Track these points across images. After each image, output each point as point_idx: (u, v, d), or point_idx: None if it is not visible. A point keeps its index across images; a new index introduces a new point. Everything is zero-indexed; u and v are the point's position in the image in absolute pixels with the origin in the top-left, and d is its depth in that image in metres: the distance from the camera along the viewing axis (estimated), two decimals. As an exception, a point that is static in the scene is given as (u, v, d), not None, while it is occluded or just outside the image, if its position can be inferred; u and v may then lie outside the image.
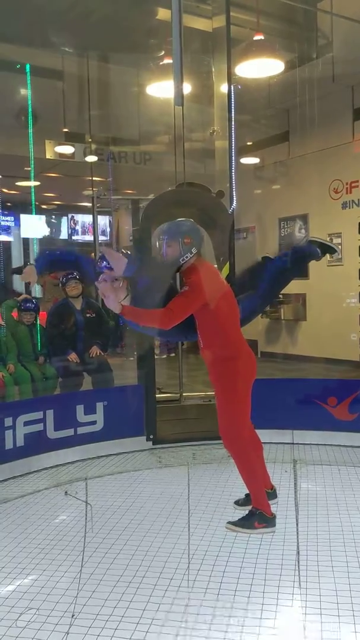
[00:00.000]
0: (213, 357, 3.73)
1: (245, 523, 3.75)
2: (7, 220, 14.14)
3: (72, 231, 15.68)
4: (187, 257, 3.63)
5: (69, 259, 4.52)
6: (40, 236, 13.54)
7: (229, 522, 3.80)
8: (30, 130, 7.36)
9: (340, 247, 9.88)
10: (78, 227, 15.73)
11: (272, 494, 4.00)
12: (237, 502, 4.08)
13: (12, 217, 14.04)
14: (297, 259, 4.35)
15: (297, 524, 3.76)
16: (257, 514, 3.73)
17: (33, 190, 7.51)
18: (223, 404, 3.73)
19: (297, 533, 3.64)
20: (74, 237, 15.77)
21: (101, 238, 12.94)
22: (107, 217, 13.74)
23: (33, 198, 8.03)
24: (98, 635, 2.72)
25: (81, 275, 4.55)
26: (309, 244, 4.35)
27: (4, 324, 6.43)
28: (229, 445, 3.77)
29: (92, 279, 3.88)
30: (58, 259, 4.50)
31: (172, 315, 3.45)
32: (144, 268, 3.73)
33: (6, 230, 14.04)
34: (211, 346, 3.71)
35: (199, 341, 3.76)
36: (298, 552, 3.43)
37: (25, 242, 13.78)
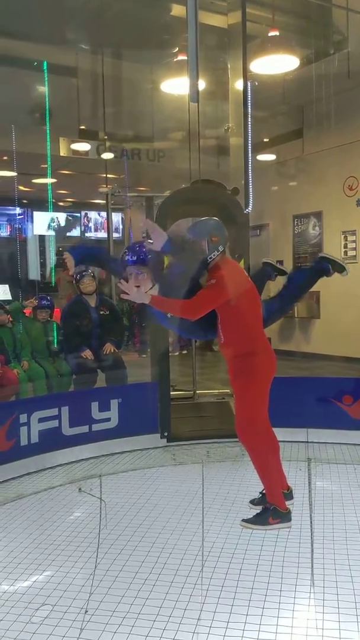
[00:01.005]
0: (233, 353, 3.74)
1: (259, 519, 3.75)
2: (21, 217, 14.23)
3: (85, 228, 15.73)
4: (214, 254, 3.68)
5: (102, 255, 4.50)
6: (53, 233, 13.64)
7: (244, 520, 3.80)
8: (48, 128, 7.37)
9: (354, 244, 9.84)
10: (91, 224, 15.77)
11: (289, 494, 3.99)
12: (253, 502, 4.06)
13: (28, 214, 14.12)
14: (313, 275, 4.41)
15: (311, 523, 3.74)
16: (271, 509, 3.73)
17: (50, 187, 7.53)
18: (240, 399, 3.73)
19: (312, 532, 3.63)
20: (87, 234, 15.83)
21: (114, 235, 12.97)
22: (120, 214, 13.77)
23: (50, 195, 8.06)
24: (115, 632, 2.72)
25: (112, 273, 4.53)
26: (321, 260, 4.42)
27: (15, 321, 6.46)
28: (244, 439, 3.77)
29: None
30: (92, 253, 4.48)
31: (199, 306, 3.51)
32: (180, 251, 3.71)
33: (22, 226, 14.13)
34: (232, 342, 3.72)
35: (219, 337, 3.77)
36: (312, 551, 3.41)
37: (42, 238, 13.84)
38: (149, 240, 3.64)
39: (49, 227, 13.85)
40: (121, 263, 3.71)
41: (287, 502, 3.88)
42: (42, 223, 13.98)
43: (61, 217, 15.17)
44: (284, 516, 3.74)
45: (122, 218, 14.14)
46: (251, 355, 3.69)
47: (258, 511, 3.88)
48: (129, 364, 6.55)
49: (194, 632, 2.70)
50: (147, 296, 3.47)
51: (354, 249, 9.81)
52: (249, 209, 5.96)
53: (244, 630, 2.70)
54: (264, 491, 4.00)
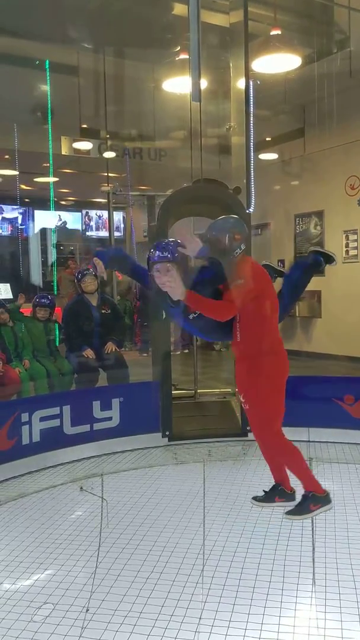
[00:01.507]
0: (249, 352, 3.72)
1: (301, 509, 3.79)
2: (21, 215, 14.24)
3: (87, 227, 15.74)
4: (236, 252, 3.68)
5: (128, 260, 4.31)
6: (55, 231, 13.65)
7: (286, 512, 3.83)
8: (50, 127, 7.37)
9: (356, 243, 9.83)
10: (92, 223, 15.78)
11: (291, 496, 4.00)
12: (256, 498, 4.07)
13: (28, 213, 14.14)
14: (308, 271, 4.41)
15: (312, 522, 3.74)
16: (309, 497, 3.76)
17: (52, 186, 7.54)
18: (258, 399, 3.72)
19: (313, 531, 3.63)
20: (88, 233, 15.85)
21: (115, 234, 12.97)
22: (121, 213, 13.77)
23: (52, 194, 8.07)
24: (117, 631, 2.72)
25: (136, 278, 4.40)
26: (314, 254, 4.42)
27: (15, 321, 6.47)
28: (263, 438, 3.78)
29: (147, 284, 3.84)
30: (119, 257, 4.33)
31: (232, 307, 3.51)
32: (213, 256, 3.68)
33: (24, 225, 14.15)
34: (251, 341, 3.70)
35: (234, 335, 3.74)
36: (314, 550, 3.41)
37: (43, 237, 13.85)
38: (181, 246, 3.58)
39: (56, 227, 13.88)
40: (149, 260, 3.66)
41: (289, 504, 3.91)
42: (43, 222, 14.00)
43: (65, 217, 15.20)
44: (324, 500, 3.78)
45: (123, 217, 14.14)
46: (269, 355, 3.70)
47: (259, 510, 3.94)
48: (131, 363, 6.55)
49: (195, 631, 2.70)
50: (184, 292, 3.44)
51: (355, 248, 9.81)
52: (251, 208, 5.95)
53: (245, 629, 2.70)
54: (267, 490, 4.02)
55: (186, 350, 10.16)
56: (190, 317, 3.68)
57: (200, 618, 2.79)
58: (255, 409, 3.76)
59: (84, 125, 9.50)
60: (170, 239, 3.74)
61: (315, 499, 3.76)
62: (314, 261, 4.39)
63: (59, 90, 8.13)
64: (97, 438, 5.37)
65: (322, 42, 8.05)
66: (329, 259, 4.39)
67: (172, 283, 3.45)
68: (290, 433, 5.15)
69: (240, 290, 3.54)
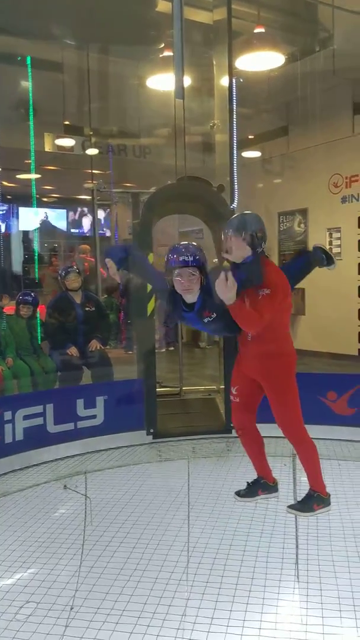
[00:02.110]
0: (266, 351, 3.68)
1: (304, 507, 3.78)
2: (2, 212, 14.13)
3: (71, 225, 15.65)
4: (259, 252, 3.60)
5: (141, 261, 4.03)
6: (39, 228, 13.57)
7: (289, 506, 3.82)
8: (32, 123, 7.32)
9: (339, 241, 9.89)
10: (78, 220, 15.70)
11: (274, 487, 4.02)
12: (238, 493, 4.08)
13: (11, 210, 14.03)
14: (309, 264, 4.37)
15: (296, 518, 3.76)
16: (314, 496, 3.77)
17: (34, 183, 7.49)
18: (283, 400, 3.71)
19: (296, 527, 3.65)
20: (72, 231, 15.76)
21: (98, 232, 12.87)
22: (105, 210, 13.68)
23: (34, 191, 8.02)
24: (99, 630, 2.72)
25: (148, 280, 4.23)
26: (316, 250, 4.36)
27: None
28: (294, 435, 3.78)
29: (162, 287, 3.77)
30: (132, 258, 4.10)
31: (264, 322, 3.45)
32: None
33: (6, 223, 14.04)
34: (267, 341, 3.67)
35: (243, 334, 3.72)
36: (297, 546, 3.43)
37: (25, 234, 13.77)
38: (185, 259, 3.48)
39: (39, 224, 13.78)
40: (170, 263, 3.54)
41: (270, 495, 3.93)
42: (27, 219, 13.91)
43: (49, 214, 15.09)
44: (326, 501, 3.80)
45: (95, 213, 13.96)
46: (286, 355, 3.72)
47: (243, 504, 3.96)
48: (115, 360, 6.53)
49: (178, 629, 2.71)
50: (234, 297, 3.34)
51: (339, 246, 9.85)
52: (234, 205, 5.97)
53: (227, 626, 2.72)
54: (250, 482, 4.03)
55: (171, 348, 10.16)
56: (205, 320, 3.65)
57: (183, 615, 2.80)
58: (284, 408, 3.76)
59: (67, 122, 9.45)
60: (188, 243, 3.65)
61: (320, 499, 3.79)
62: (317, 257, 4.33)
63: (42, 86, 8.07)
64: (81, 436, 5.36)
65: (305, 40, 8.07)
66: (330, 261, 4.33)
67: (195, 287, 3.43)
68: (275, 429, 5.17)
69: (272, 301, 3.46)
